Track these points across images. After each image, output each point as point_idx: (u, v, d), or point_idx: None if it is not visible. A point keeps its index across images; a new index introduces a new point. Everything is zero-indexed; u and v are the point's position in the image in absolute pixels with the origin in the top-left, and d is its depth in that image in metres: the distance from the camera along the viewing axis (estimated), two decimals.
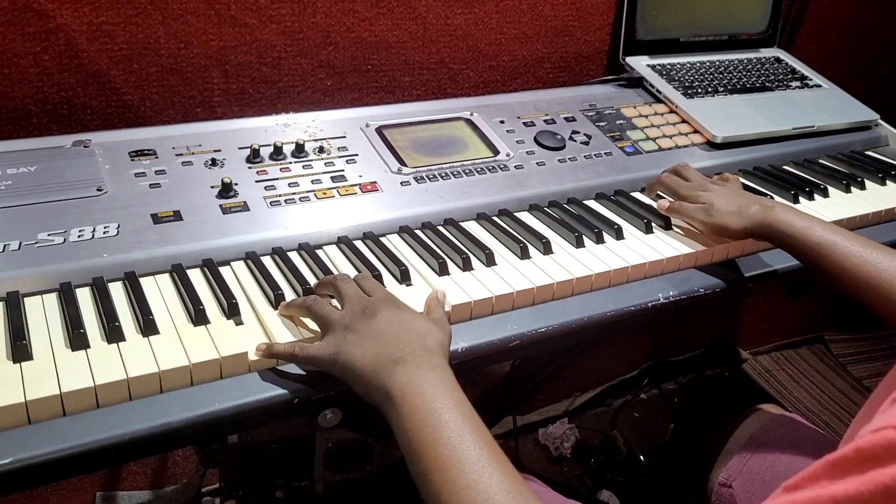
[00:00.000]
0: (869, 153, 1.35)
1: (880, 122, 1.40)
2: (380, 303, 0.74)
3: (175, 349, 0.72)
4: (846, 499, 0.39)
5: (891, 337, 2.28)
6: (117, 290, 0.80)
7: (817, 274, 0.89)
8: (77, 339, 0.71)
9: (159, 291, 0.81)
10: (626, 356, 2.00)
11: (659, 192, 1.10)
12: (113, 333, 0.72)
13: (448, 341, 0.74)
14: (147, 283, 0.82)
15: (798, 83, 1.45)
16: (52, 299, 0.78)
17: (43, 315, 0.75)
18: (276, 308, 0.80)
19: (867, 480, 0.39)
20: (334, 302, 0.78)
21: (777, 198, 1.14)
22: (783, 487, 0.43)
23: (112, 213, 0.88)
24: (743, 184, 1.16)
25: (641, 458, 1.74)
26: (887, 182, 1.23)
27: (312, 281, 0.84)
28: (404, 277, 0.87)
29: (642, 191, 1.14)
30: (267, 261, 0.88)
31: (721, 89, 1.37)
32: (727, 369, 2.18)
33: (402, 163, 1.06)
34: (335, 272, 0.86)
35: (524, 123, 1.20)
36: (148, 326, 0.74)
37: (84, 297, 0.79)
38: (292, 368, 0.75)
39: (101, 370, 0.68)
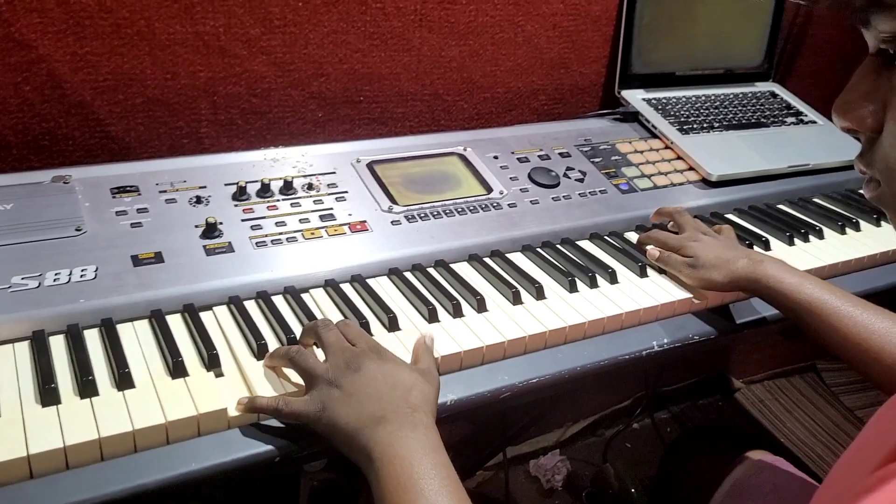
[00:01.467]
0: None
1: None
2: (364, 355, 0.71)
3: (151, 405, 0.69)
4: None
5: None
6: (93, 339, 0.77)
7: (806, 333, 0.87)
8: (48, 395, 0.68)
9: (137, 340, 0.78)
10: (618, 386, 1.97)
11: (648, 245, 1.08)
12: (86, 388, 0.69)
13: (435, 393, 0.72)
14: (125, 331, 0.79)
15: (793, 119, 1.44)
16: (23, 348, 0.75)
17: (13, 366, 0.72)
18: (258, 358, 0.77)
19: None
20: (319, 351, 0.75)
21: (773, 239, 1.13)
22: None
23: (91, 255, 0.85)
24: (738, 225, 1.15)
25: (633, 490, 1.71)
26: (882, 223, 1.22)
27: (297, 328, 0.81)
28: (392, 325, 0.84)
29: (637, 230, 1.12)
30: (251, 306, 0.85)
31: (717, 125, 1.36)
32: (720, 399, 2.16)
33: (394, 200, 1.04)
34: (320, 318, 0.84)
35: (518, 159, 1.18)
36: (123, 380, 0.71)
37: (58, 345, 0.76)
38: (275, 423, 0.72)
39: (73, 429, 0.65)
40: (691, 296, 0.96)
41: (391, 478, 0.62)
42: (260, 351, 0.77)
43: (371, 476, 0.64)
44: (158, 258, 0.87)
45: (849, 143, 1.40)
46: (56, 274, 0.81)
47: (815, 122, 1.44)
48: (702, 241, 0.98)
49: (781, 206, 1.26)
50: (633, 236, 1.11)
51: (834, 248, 1.14)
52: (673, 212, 1.07)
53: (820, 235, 1.16)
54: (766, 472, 1.04)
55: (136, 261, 0.86)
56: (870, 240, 1.17)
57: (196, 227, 0.92)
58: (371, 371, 0.70)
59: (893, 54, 0.46)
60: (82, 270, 0.82)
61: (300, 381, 0.74)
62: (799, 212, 1.24)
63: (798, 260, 1.08)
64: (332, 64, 1.18)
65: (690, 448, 1.24)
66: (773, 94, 1.50)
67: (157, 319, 0.80)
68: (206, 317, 0.83)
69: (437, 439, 0.66)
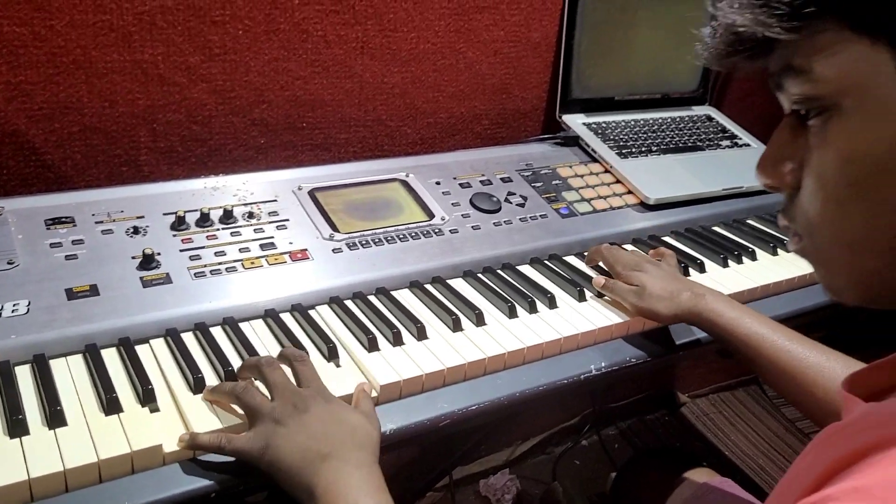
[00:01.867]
0: None
1: None
2: (311, 397, 0.72)
3: (83, 444, 0.68)
4: None
5: None
6: (24, 375, 0.76)
7: (743, 363, 0.90)
8: None
9: (70, 376, 0.77)
10: (566, 403, 1.99)
11: (595, 266, 1.10)
12: (16, 427, 0.68)
13: (378, 435, 0.73)
14: (58, 367, 0.78)
15: (728, 142, 1.48)
16: None
17: None
18: (195, 393, 0.76)
19: None
20: (263, 388, 0.75)
21: (708, 261, 1.16)
22: None
23: (23, 289, 0.84)
24: (675, 248, 1.18)
25: None
26: None
27: (235, 361, 0.81)
28: (332, 355, 0.85)
29: (577, 255, 1.15)
30: (188, 338, 0.85)
31: (654, 148, 1.39)
32: (667, 413, 2.20)
33: (335, 228, 1.04)
34: (260, 350, 0.84)
35: (460, 184, 1.20)
36: (55, 418, 0.70)
37: None
38: (212, 457, 0.72)
39: (1, 470, 0.64)
40: (629, 319, 0.98)
41: None
42: (197, 385, 0.77)
43: None
44: (94, 291, 0.86)
45: None
46: None
47: (748, 146, 1.49)
48: (647, 272, 1.00)
49: (716, 228, 1.29)
50: (573, 260, 1.13)
51: (766, 268, 1.18)
52: (603, 249, 1.08)
53: (753, 257, 1.20)
54: (712, 493, 1.06)
55: (71, 294, 0.85)
56: (801, 260, 1.20)
57: (133, 258, 0.91)
58: (318, 411, 0.71)
59: (805, 115, 0.49)
60: (14, 305, 0.81)
61: (236, 415, 0.74)
62: (733, 233, 1.28)
63: (732, 281, 1.12)
64: (273, 91, 1.18)
65: (639, 469, 1.26)
66: (709, 118, 1.55)
67: (92, 354, 0.79)
68: (142, 350, 0.82)
69: (381, 479, 0.67)
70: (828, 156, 0.48)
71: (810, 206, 0.50)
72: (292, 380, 0.75)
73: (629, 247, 1.18)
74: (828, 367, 0.84)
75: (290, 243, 1.00)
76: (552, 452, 1.98)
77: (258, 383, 0.76)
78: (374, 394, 0.80)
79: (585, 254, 1.13)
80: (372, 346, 0.86)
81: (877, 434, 0.42)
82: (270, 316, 0.90)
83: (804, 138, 0.49)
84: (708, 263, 1.16)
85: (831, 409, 0.81)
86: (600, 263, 1.09)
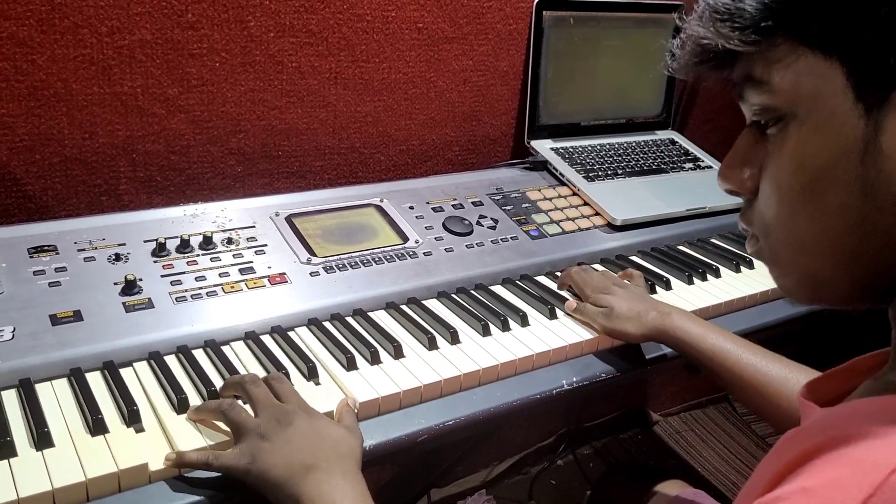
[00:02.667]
0: None
1: None
2: (293, 412, 0.75)
3: (70, 464, 0.70)
4: None
5: None
6: (10, 399, 0.78)
7: (710, 377, 0.94)
8: None
9: (56, 399, 0.79)
10: (541, 423, 2.02)
11: (568, 288, 1.14)
12: (3, 449, 0.70)
13: (361, 448, 0.76)
14: (43, 390, 0.80)
15: (691, 164, 1.54)
16: None
17: None
18: (178, 412, 0.79)
19: None
20: (247, 406, 0.78)
21: (674, 279, 1.20)
22: None
23: (7, 316, 0.85)
24: (642, 266, 1.23)
25: None
26: None
27: (217, 381, 0.83)
28: (312, 374, 0.87)
29: (547, 275, 1.19)
30: (171, 360, 0.87)
31: (620, 172, 1.44)
32: (640, 432, 2.24)
33: (312, 252, 1.07)
34: (241, 371, 0.86)
35: (433, 209, 1.23)
36: (42, 440, 0.72)
37: None
38: (197, 474, 0.74)
39: None
40: (598, 336, 1.02)
41: None
42: (180, 405, 0.79)
43: None
44: (77, 316, 0.88)
45: None
46: None
47: (710, 168, 1.55)
48: (615, 294, 1.03)
49: (681, 247, 1.34)
50: (543, 280, 1.17)
51: (730, 285, 1.22)
52: (573, 273, 1.12)
53: (717, 274, 1.25)
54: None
55: (55, 320, 0.87)
56: (763, 277, 1.26)
57: (115, 284, 0.93)
58: (301, 425, 0.73)
59: (764, 124, 0.53)
60: None
61: (220, 434, 0.76)
62: (698, 252, 1.33)
63: (697, 298, 1.16)
64: (249, 121, 1.22)
65: (613, 485, 1.29)
66: (672, 142, 1.61)
67: (76, 378, 0.81)
68: (126, 373, 0.84)
69: (365, 489, 0.70)
70: (782, 162, 0.51)
71: (766, 209, 0.53)
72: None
73: (599, 267, 1.22)
74: (790, 378, 0.88)
75: (269, 267, 1.03)
76: (528, 472, 2.00)
77: (242, 402, 0.78)
78: (356, 401, 0.83)
79: (558, 275, 1.17)
80: (350, 365, 0.89)
81: (825, 436, 0.45)
82: (251, 338, 0.93)
83: (763, 147, 0.53)
84: (674, 281, 1.20)
85: (795, 419, 0.85)
86: (571, 287, 1.13)
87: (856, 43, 0.46)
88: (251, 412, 0.76)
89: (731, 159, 0.56)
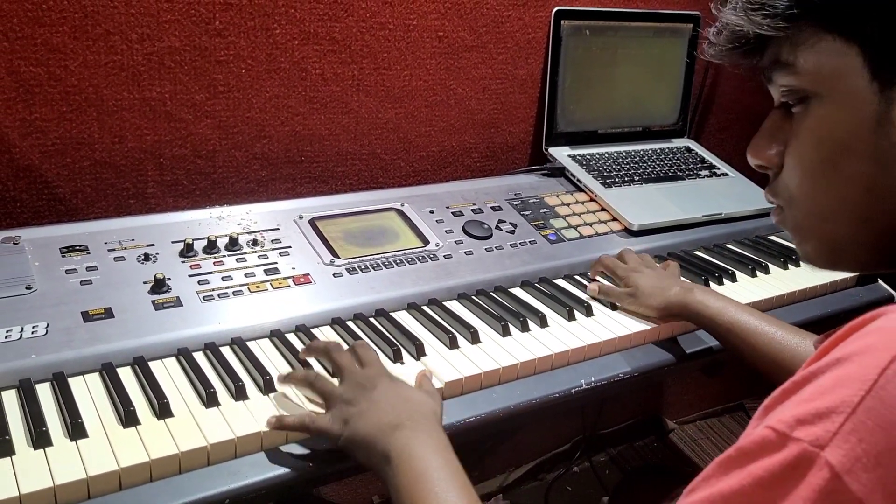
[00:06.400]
0: (772, 238, 1.44)
1: None
2: (376, 377, 0.80)
3: (104, 453, 0.72)
4: (731, 493, 0.44)
5: None
6: (45, 392, 0.80)
7: (730, 351, 0.98)
8: (2, 447, 0.70)
9: (89, 392, 0.81)
10: (558, 429, 2.03)
11: (598, 275, 1.18)
12: (40, 439, 0.72)
13: (440, 409, 0.80)
14: (76, 384, 0.82)
15: (707, 172, 1.55)
16: None
17: None
18: (207, 406, 0.81)
19: (746, 474, 0.44)
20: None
21: None
22: (684, 493, 0.48)
23: (41, 312, 0.88)
24: None
25: None
26: (789, 266, 1.32)
27: (245, 377, 0.85)
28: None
29: (565, 278, 1.20)
30: (199, 357, 0.89)
31: (637, 178, 1.46)
32: (655, 439, 2.24)
33: (335, 254, 1.09)
34: (269, 367, 0.88)
35: (453, 213, 1.25)
36: (76, 430, 0.74)
37: (10, 400, 0.78)
38: (226, 467, 0.75)
39: (27, 479, 0.68)
40: (616, 336, 1.04)
41: (408, 472, 0.70)
42: (209, 399, 0.81)
43: (388, 474, 0.71)
44: (108, 314, 0.90)
45: (757, 194, 1.52)
46: (7, 331, 0.84)
47: (726, 175, 1.56)
48: (643, 273, 1.09)
49: (698, 253, 1.35)
50: (562, 283, 1.18)
51: (745, 290, 1.23)
52: (622, 251, 1.17)
53: (733, 279, 1.26)
54: None
55: (87, 316, 0.89)
56: (777, 282, 1.27)
57: (144, 283, 0.96)
58: (384, 388, 0.78)
59: (791, 105, 0.58)
60: (33, 327, 0.85)
61: (254, 429, 0.78)
62: (714, 257, 1.34)
63: None
64: (274, 126, 1.24)
65: (632, 490, 1.30)
66: (688, 150, 1.62)
67: (108, 372, 0.83)
68: (156, 368, 0.86)
69: (448, 444, 0.74)
70: (805, 137, 0.57)
71: (790, 181, 0.59)
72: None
73: (633, 248, 1.25)
74: (805, 346, 0.92)
75: (293, 268, 1.05)
76: (544, 479, 2.01)
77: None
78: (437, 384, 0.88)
79: (576, 278, 1.20)
80: None
81: (854, 323, 0.47)
82: (276, 336, 0.95)
83: (789, 125, 0.59)
84: None
85: None
86: (601, 275, 1.17)
87: (871, 28, 0.52)
88: (333, 381, 0.81)
89: (760, 137, 0.62)
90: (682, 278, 1.16)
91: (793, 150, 0.59)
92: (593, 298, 1.12)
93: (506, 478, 1.95)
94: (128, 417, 0.77)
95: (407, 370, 0.91)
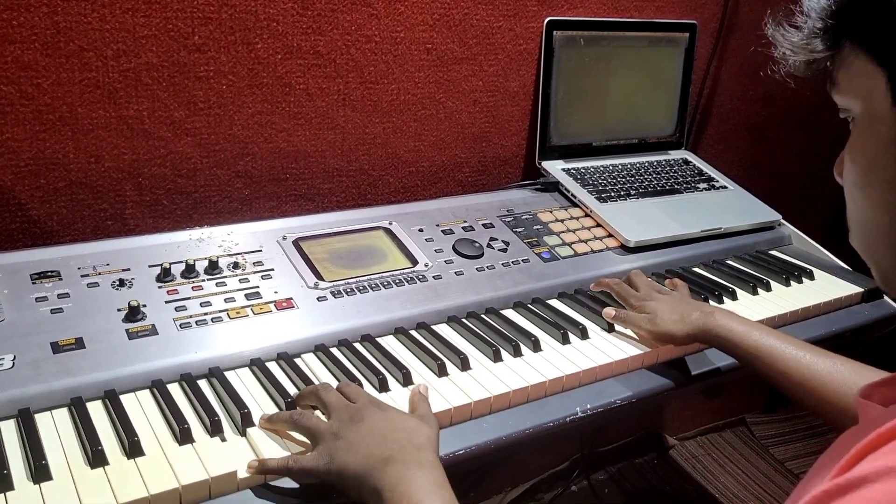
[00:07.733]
0: (773, 253, 1.41)
1: (783, 221, 1.47)
2: (365, 408, 0.77)
3: (68, 498, 0.68)
4: None
5: (809, 417, 2.35)
6: (9, 430, 0.76)
7: (756, 374, 0.95)
8: None
9: (56, 429, 0.77)
10: (555, 448, 1.99)
11: (608, 299, 1.14)
12: (0, 483, 0.68)
13: (436, 435, 0.77)
14: (43, 420, 0.78)
15: (705, 185, 1.51)
16: None
17: None
18: (181, 444, 0.76)
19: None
20: (317, 413, 0.80)
21: None
22: None
23: (8, 344, 0.84)
24: None
25: None
26: (791, 283, 1.28)
27: (219, 410, 0.81)
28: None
29: (560, 297, 1.16)
30: (174, 389, 0.85)
31: (633, 193, 1.42)
32: (656, 456, 2.19)
33: (320, 276, 1.05)
34: (246, 399, 0.84)
35: (443, 231, 1.21)
36: (39, 472, 0.70)
37: None
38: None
39: None
40: (612, 360, 0.99)
41: None
42: (183, 436, 0.77)
43: None
44: (79, 344, 0.86)
45: (757, 207, 1.48)
46: None
47: (725, 188, 1.52)
48: (658, 300, 1.05)
49: (697, 269, 1.31)
50: (556, 303, 1.14)
51: (747, 308, 1.19)
52: (613, 285, 1.12)
53: (733, 297, 1.22)
54: None
55: (56, 347, 0.85)
56: (779, 299, 1.23)
57: (118, 310, 0.92)
58: (374, 420, 0.75)
59: (847, 120, 0.59)
60: None
61: (230, 468, 0.74)
62: (713, 274, 1.30)
63: None
64: (257, 143, 1.20)
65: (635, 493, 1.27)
66: (686, 162, 1.59)
67: (77, 407, 0.79)
68: (127, 402, 0.82)
69: (443, 477, 0.71)
70: (846, 157, 0.59)
71: (846, 195, 0.61)
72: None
73: (630, 266, 1.22)
74: (835, 370, 0.89)
75: (276, 292, 1.01)
76: (542, 499, 1.97)
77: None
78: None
79: (572, 295, 1.16)
80: None
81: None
82: (256, 365, 0.91)
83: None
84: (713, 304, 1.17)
85: (842, 409, 0.86)
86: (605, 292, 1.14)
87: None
88: (324, 418, 0.78)
89: (842, 152, 0.63)
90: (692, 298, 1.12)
91: (847, 156, 0.59)
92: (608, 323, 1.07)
93: (503, 498, 1.90)
94: (95, 457, 0.72)
95: (394, 398, 0.87)
